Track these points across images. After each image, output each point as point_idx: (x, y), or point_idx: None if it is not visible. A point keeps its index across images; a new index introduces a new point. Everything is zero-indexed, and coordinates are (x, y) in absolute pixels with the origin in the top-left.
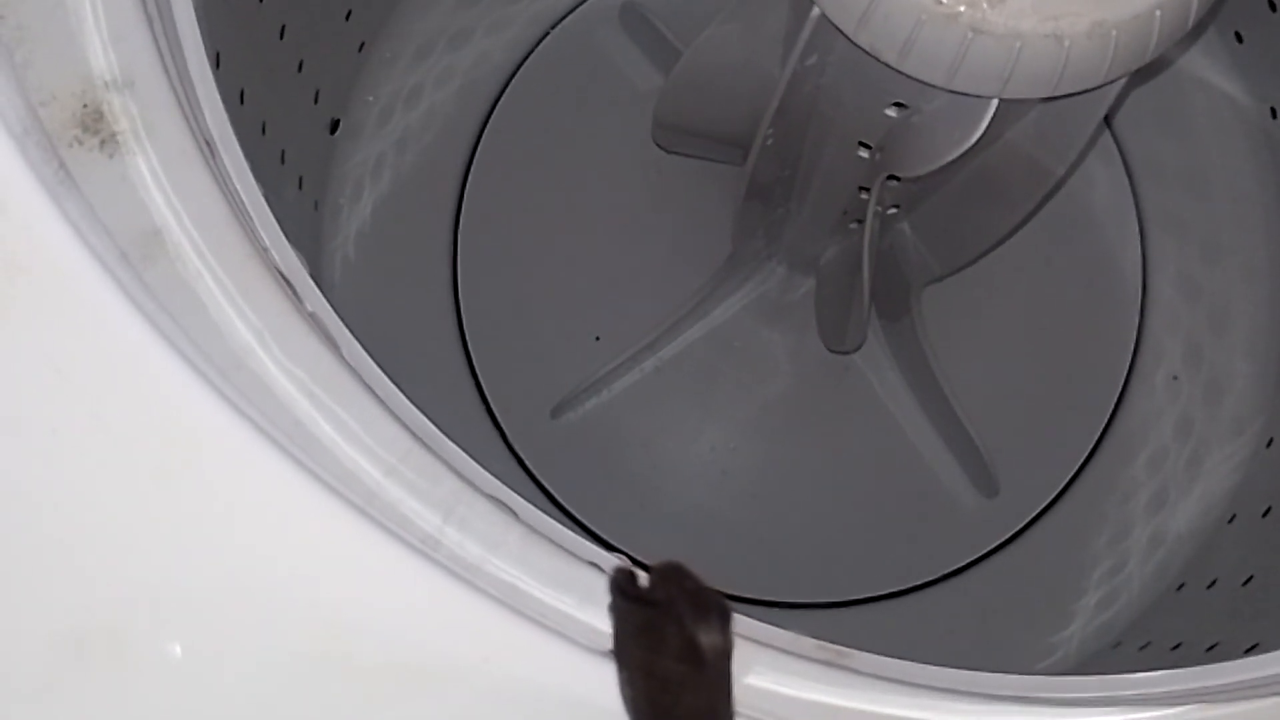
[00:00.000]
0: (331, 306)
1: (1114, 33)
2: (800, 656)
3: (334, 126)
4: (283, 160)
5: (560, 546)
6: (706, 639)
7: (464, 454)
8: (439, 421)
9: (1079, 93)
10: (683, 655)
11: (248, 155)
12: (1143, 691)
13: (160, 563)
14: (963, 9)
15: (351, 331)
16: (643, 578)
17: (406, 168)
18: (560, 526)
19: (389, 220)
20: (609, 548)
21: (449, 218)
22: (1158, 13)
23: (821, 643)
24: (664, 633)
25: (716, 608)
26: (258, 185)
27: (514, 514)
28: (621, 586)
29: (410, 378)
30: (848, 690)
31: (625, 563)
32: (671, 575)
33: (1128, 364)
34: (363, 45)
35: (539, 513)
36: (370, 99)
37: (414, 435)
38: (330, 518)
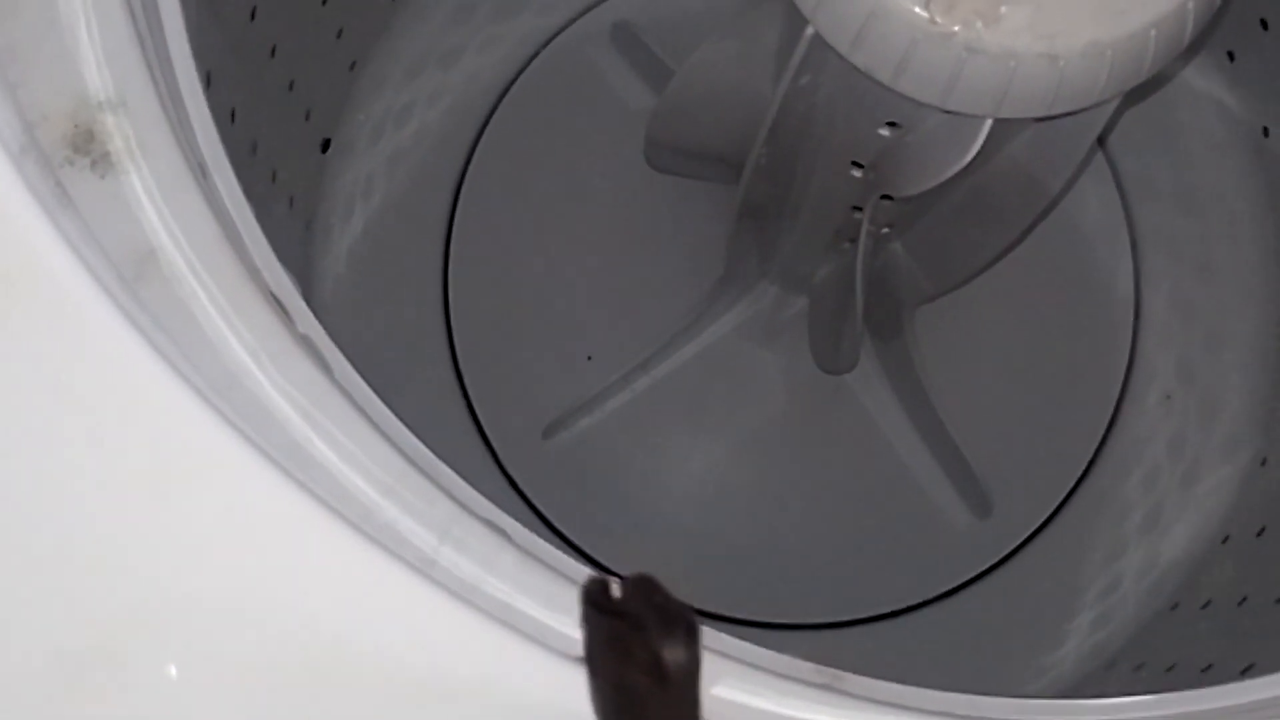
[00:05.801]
0: (322, 326)
1: (1109, 52)
2: (798, 680)
3: (325, 145)
4: (274, 179)
5: (554, 569)
6: (671, 655)
7: (457, 477)
8: (429, 441)
9: (1074, 112)
10: (649, 669)
11: (238, 174)
12: (1137, 716)
13: (157, 581)
14: (957, 29)
15: (342, 351)
16: (615, 589)
17: (398, 186)
18: (554, 549)
19: (380, 239)
20: (601, 570)
21: (440, 237)
22: (1153, 32)
23: (819, 666)
24: (631, 646)
25: (684, 623)
26: (249, 205)
27: (508, 537)
28: (593, 597)
29: (401, 396)
30: (844, 713)
31: (598, 574)
32: (641, 588)
33: (1121, 383)
34: (354, 64)
35: (532, 535)
36: (361, 117)
37: (408, 459)
38: (329, 537)
